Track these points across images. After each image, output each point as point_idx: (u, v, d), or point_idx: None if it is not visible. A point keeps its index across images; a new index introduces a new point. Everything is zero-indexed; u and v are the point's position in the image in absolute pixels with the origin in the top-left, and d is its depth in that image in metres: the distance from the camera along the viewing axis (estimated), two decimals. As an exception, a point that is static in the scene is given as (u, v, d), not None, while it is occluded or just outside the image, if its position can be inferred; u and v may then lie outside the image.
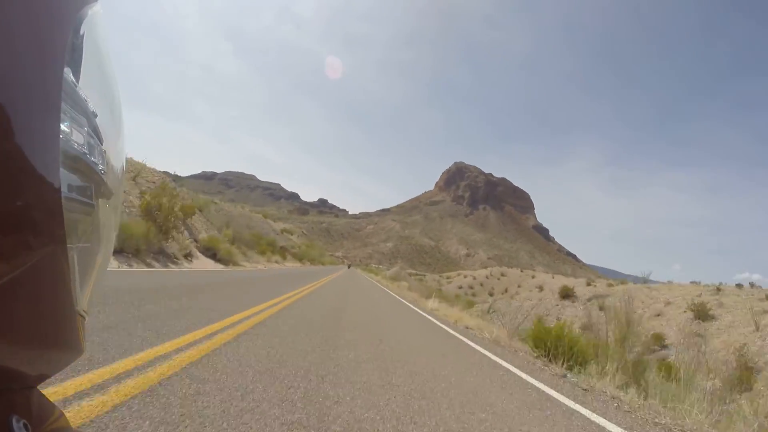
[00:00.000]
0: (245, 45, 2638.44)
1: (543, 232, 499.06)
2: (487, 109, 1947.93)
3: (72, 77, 0.31)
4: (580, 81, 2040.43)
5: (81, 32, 0.33)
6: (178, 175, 30.79)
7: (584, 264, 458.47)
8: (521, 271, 70.64)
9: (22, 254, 0.26)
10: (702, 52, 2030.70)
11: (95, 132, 0.36)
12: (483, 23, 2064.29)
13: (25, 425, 0.30)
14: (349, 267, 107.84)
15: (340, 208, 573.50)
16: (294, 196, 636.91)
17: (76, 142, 0.32)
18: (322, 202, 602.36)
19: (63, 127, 0.29)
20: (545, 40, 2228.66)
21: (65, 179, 0.29)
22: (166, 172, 24.55)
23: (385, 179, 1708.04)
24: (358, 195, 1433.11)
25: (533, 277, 57.32)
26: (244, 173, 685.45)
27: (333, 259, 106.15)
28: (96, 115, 0.36)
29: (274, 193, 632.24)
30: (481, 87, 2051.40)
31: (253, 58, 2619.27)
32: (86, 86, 0.34)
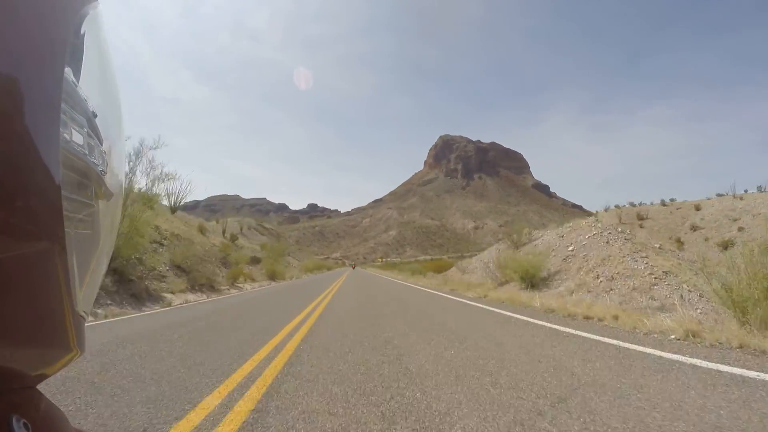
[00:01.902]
0: (206, 69, 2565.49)
1: (543, 189, 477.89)
2: (456, 84, 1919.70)
3: (72, 77, 0.31)
4: (540, 35, 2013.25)
5: (81, 32, 0.33)
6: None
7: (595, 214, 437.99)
8: (663, 205, 44.32)
9: (21, 255, 0.26)
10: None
11: (95, 132, 0.36)
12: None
13: (25, 425, 0.30)
14: (354, 268, 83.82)
15: (332, 209, 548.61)
16: (282, 208, 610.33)
17: (75, 142, 0.32)
18: (312, 207, 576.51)
19: (63, 127, 0.29)
20: (495, 2, 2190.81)
21: (65, 179, 0.29)
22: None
23: (372, 174, 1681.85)
24: (348, 195, 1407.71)
25: (698, 208, 32.73)
26: (227, 194, 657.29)
27: (329, 263, 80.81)
28: (96, 116, 0.36)
29: (262, 209, 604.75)
30: (444, 64, 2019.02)
31: (217, 81, 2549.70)
32: (86, 86, 0.34)
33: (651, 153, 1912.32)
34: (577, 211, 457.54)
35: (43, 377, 0.34)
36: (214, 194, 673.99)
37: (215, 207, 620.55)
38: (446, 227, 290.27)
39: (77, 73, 0.32)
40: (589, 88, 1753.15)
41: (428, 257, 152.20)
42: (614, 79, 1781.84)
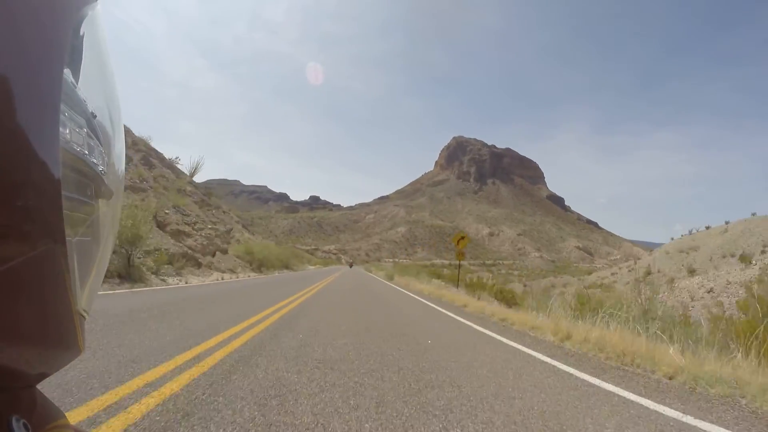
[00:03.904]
0: (221, 58, 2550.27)
1: (558, 201, 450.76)
2: (466, 92, 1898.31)
3: (72, 78, 0.31)
4: (556, 53, 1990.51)
5: (81, 33, 0.33)
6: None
7: (614, 234, 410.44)
8: None
9: (22, 254, 0.26)
10: (676, 8, 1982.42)
11: (95, 133, 0.35)
12: (451, 4, 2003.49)
13: (25, 425, 0.30)
14: (351, 266, 69.71)
15: (334, 203, 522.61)
16: (283, 197, 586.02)
17: (75, 142, 0.31)
18: (314, 200, 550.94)
19: (62, 128, 0.29)
20: (515, 14, 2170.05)
21: (65, 179, 0.29)
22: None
23: (379, 174, 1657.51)
24: (353, 192, 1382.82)
25: None
26: (227, 179, 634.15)
27: (302, 257, 52.45)
28: (95, 116, 0.36)
29: (261, 196, 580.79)
30: (456, 71, 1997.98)
31: (230, 71, 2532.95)
32: (86, 87, 0.33)
33: (657, 178, 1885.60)
34: (592, 227, 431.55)
35: (43, 377, 0.33)
36: (213, 178, 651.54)
37: (213, 190, 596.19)
38: (462, 230, 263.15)
39: (76, 73, 0.32)
40: (601, 108, 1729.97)
41: (445, 261, 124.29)
42: (626, 101, 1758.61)
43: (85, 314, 0.37)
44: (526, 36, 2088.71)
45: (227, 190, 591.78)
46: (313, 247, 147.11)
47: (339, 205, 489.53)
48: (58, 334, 0.32)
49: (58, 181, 0.28)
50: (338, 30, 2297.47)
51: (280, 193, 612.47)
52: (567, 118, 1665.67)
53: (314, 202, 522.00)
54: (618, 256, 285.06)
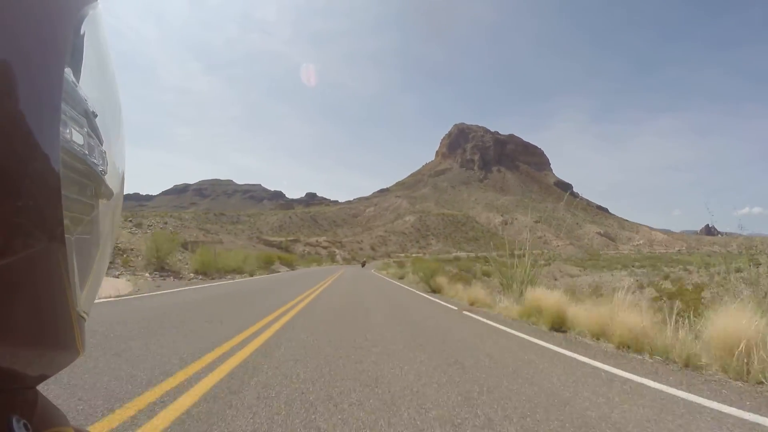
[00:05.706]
0: (214, 61, 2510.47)
1: (566, 188, 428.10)
2: (462, 86, 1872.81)
3: (72, 77, 0.31)
4: (549, 43, 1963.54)
5: (81, 32, 0.33)
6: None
7: (628, 219, 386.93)
8: None
9: (21, 255, 0.26)
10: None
11: (95, 132, 0.35)
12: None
13: (25, 425, 0.30)
14: (363, 266, 61.69)
15: (331, 199, 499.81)
16: (278, 195, 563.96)
17: (75, 142, 0.31)
18: (311, 197, 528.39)
19: (63, 127, 0.29)
20: (507, 5, 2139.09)
21: (65, 179, 0.29)
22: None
23: (377, 171, 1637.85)
24: (351, 189, 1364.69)
25: None
26: (219, 179, 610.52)
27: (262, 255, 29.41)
28: (96, 116, 0.35)
29: (255, 195, 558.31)
30: (452, 68, 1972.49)
31: (224, 73, 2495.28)
32: (86, 86, 0.33)
33: (656, 165, 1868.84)
34: (605, 212, 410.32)
35: (43, 378, 0.33)
36: (205, 178, 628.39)
37: (205, 192, 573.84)
38: (475, 219, 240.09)
39: (77, 73, 0.32)
40: (597, 97, 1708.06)
41: (470, 254, 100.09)
42: (622, 89, 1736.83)
43: (85, 315, 0.37)
44: (518, 27, 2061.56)
45: (220, 190, 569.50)
46: (291, 238, 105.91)
47: (336, 201, 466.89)
48: (57, 335, 0.32)
49: (59, 180, 0.28)
50: (330, 27, 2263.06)
51: (275, 191, 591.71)
52: (564, 106, 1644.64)
53: (311, 199, 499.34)
54: (641, 241, 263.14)
